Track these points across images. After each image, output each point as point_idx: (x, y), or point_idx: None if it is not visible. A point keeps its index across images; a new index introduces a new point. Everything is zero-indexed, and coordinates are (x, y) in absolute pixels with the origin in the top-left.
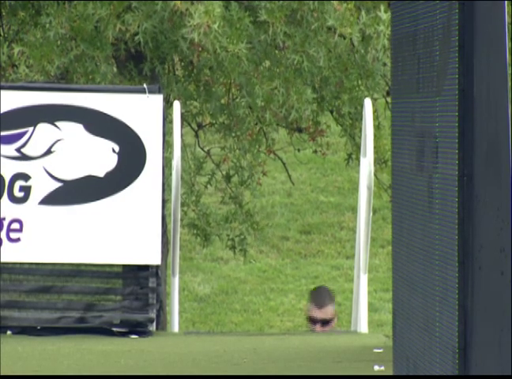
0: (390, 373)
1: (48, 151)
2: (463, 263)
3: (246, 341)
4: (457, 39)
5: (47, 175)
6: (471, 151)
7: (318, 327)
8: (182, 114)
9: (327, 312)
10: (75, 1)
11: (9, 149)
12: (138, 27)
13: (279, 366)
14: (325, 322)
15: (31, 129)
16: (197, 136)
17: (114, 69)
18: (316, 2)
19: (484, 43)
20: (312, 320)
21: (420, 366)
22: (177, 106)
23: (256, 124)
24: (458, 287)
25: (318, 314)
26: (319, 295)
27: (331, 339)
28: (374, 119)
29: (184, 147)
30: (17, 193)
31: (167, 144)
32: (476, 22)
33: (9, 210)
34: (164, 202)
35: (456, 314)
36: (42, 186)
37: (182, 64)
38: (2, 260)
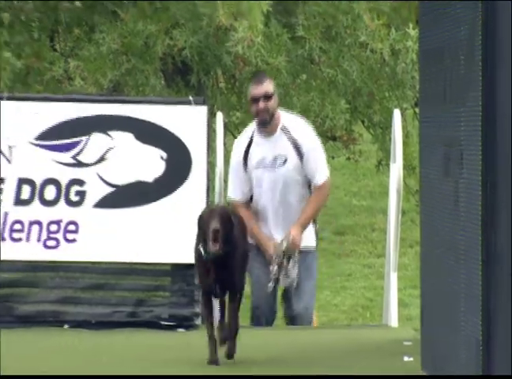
0: (419, 363)
1: (101, 159)
2: (486, 263)
3: (286, 334)
4: (480, 53)
5: (100, 181)
6: (494, 158)
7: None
8: (225, 124)
9: (268, 86)
10: (126, 19)
11: (66, 157)
12: (185, 42)
13: (316, 357)
14: (266, 97)
15: (85, 138)
16: None
17: (163, 82)
18: (349, 20)
19: (506, 56)
20: (254, 99)
21: (446, 358)
22: (220, 116)
23: None
24: (482, 284)
25: (259, 90)
26: (257, 75)
27: (364, 332)
28: (403, 128)
29: (227, 154)
30: (73, 197)
31: (211, 150)
32: (499, 37)
33: (66, 213)
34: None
35: (479, 310)
36: (96, 191)
37: (225, 77)
38: (60, 260)
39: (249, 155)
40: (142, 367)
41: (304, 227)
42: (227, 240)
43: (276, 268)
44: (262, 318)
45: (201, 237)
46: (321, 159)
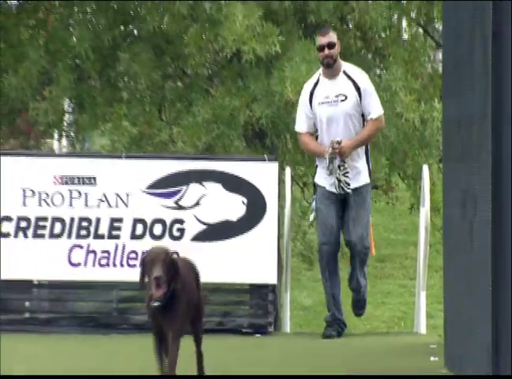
0: (442, 362)
1: (197, 203)
2: (495, 285)
3: (338, 339)
4: (490, 124)
5: (196, 220)
6: (500, 202)
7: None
8: (292, 176)
9: (331, 37)
10: (216, 95)
11: (170, 202)
12: (262, 113)
13: (360, 358)
14: (330, 45)
15: (185, 187)
16: (303, 191)
17: (244, 144)
18: (388, 95)
19: (508, 123)
20: (321, 48)
21: (464, 358)
22: (288, 170)
23: None
24: (492, 299)
25: (324, 40)
26: (322, 28)
27: (399, 338)
28: (430, 179)
29: (293, 199)
30: (175, 233)
31: (281, 197)
32: (506, 112)
33: (170, 245)
34: (279, 238)
35: (490, 320)
36: (192, 228)
37: (292, 140)
38: None
39: (314, 95)
40: (223, 365)
41: (355, 144)
42: (171, 283)
43: (335, 161)
44: (329, 252)
45: (147, 282)
46: (375, 98)
